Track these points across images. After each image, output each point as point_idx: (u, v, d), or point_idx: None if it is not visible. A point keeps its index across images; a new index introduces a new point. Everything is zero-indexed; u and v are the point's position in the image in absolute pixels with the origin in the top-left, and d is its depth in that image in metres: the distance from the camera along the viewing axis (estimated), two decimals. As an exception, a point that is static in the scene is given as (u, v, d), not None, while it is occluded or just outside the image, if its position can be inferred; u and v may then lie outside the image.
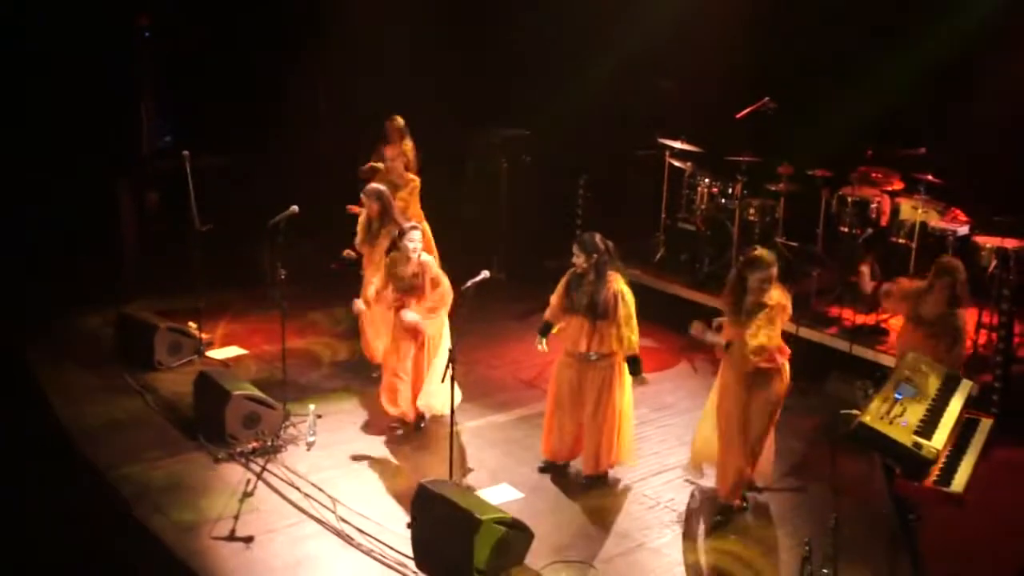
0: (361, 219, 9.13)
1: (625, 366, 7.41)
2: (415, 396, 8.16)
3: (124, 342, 9.57)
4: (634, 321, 7.28)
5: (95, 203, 11.33)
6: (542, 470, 7.73)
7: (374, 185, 9.10)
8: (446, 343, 8.00)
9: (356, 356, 9.48)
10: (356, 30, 12.21)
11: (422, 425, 8.32)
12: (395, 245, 8.18)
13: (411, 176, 9.99)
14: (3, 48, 10.75)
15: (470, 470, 7.72)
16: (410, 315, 7.97)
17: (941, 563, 6.22)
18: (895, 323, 8.83)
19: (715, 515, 7.15)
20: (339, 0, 12.20)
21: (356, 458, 7.89)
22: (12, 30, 10.80)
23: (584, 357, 7.35)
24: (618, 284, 7.25)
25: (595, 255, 7.22)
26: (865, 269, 7.84)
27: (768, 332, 6.72)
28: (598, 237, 7.31)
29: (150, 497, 7.19)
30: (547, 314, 7.58)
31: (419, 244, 8.01)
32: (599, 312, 7.21)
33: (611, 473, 7.62)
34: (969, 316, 8.29)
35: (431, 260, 8.11)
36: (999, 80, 9.91)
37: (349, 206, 9.68)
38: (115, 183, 11.60)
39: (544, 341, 7.58)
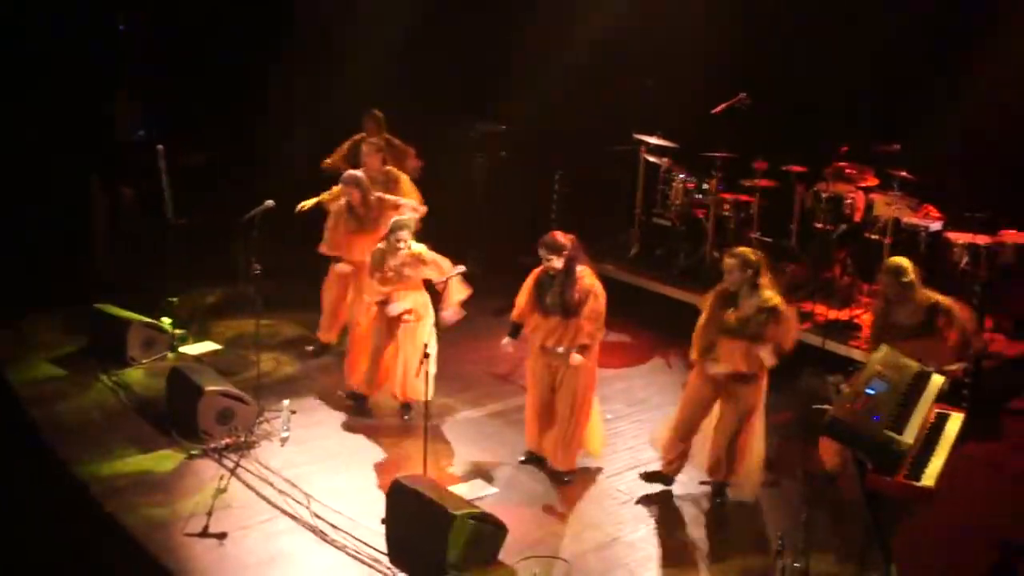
0: (330, 218, 9.09)
1: (593, 357, 7.44)
2: (387, 377, 8.26)
3: (97, 337, 9.50)
4: (601, 319, 7.28)
5: (68, 197, 11.25)
6: (523, 462, 7.73)
7: (351, 172, 9.08)
8: (426, 328, 8.02)
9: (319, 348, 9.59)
10: (333, 24, 12.17)
11: (407, 417, 8.36)
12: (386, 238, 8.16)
13: (389, 169, 9.88)
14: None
15: (445, 465, 7.72)
16: (396, 307, 8.09)
17: (912, 557, 6.25)
18: (868, 318, 8.87)
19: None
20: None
21: (330, 453, 7.87)
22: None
23: (556, 353, 7.36)
24: (589, 279, 7.25)
25: (564, 253, 7.20)
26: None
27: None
28: (560, 235, 7.27)
29: (122, 493, 7.15)
30: (515, 314, 7.54)
31: (409, 240, 8.01)
32: (572, 310, 7.21)
33: (586, 468, 7.62)
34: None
35: (422, 249, 8.10)
36: (972, 78, 9.97)
37: (300, 205, 9.50)
38: (88, 177, 11.53)
39: (511, 341, 7.58)
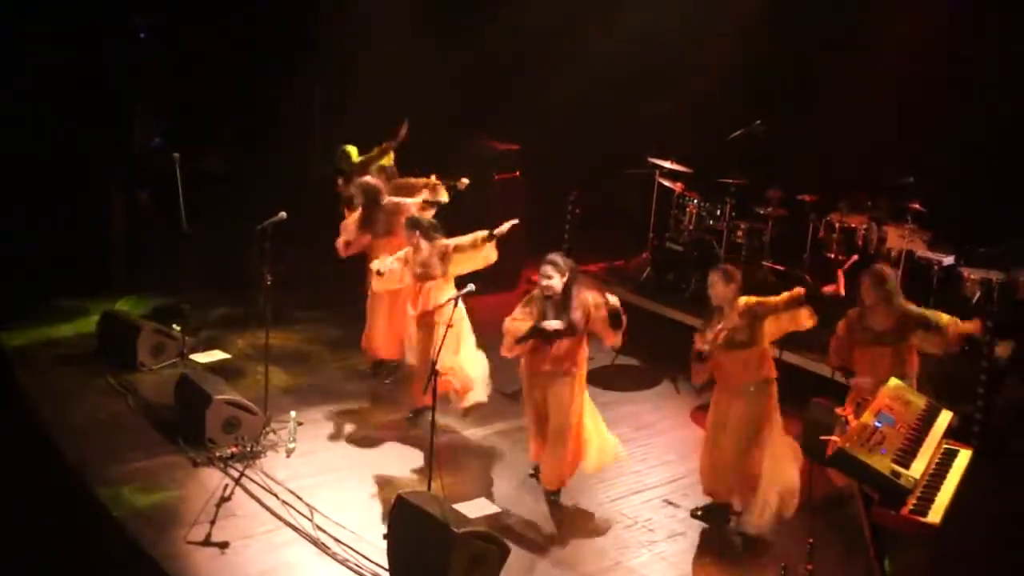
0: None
1: (582, 378, 7.39)
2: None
3: (107, 341, 9.53)
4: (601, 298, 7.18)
5: (84, 202, 11.31)
6: (533, 475, 7.73)
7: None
8: (467, 326, 8.20)
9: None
10: (352, 40, 12.23)
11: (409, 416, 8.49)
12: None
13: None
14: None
15: (449, 482, 7.70)
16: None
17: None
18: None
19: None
20: (336, 9, 12.24)
21: (335, 467, 7.88)
22: (6, 27, 10.79)
23: (552, 374, 7.30)
24: (586, 292, 7.20)
25: (568, 274, 7.16)
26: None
27: None
28: (561, 256, 7.24)
29: (127, 499, 7.16)
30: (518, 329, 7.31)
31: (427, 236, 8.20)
32: (577, 327, 7.17)
33: (590, 491, 7.61)
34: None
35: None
36: (988, 113, 9.99)
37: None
38: (105, 182, 11.59)
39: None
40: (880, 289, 7.16)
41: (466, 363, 8.27)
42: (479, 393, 8.34)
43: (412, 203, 9.17)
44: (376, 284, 8.55)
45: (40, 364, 9.27)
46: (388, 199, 9.15)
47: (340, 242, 9.09)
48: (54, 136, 10.93)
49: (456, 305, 7.50)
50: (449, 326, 7.37)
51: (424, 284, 8.29)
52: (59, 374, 9.13)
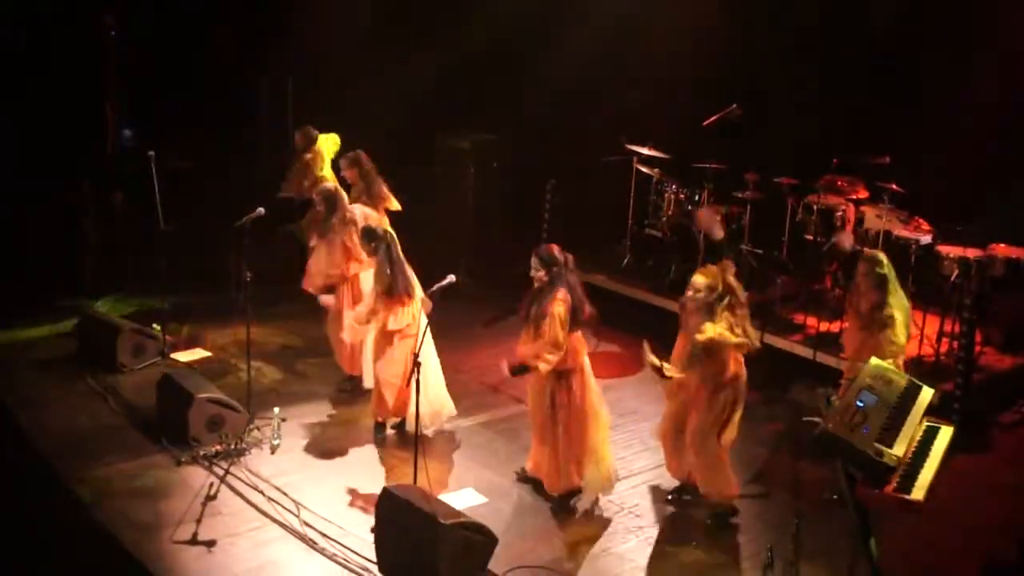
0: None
1: (578, 378, 7.21)
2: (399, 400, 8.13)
3: (87, 343, 9.47)
4: (551, 344, 6.90)
5: (59, 202, 11.23)
6: (518, 479, 7.67)
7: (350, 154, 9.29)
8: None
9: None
10: (326, 33, 12.18)
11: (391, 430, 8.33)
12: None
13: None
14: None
15: (435, 474, 7.69)
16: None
17: (901, 569, 6.28)
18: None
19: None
20: (309, 5, 12.19)
21: (320, 462, 7.87)
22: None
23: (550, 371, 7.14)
24: (556, 303, 6.96)
25: (554, 268, 7.06)
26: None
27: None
28: (556, 249, 7.12)
29: (111, 500, 7.13)
30: None
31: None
32: (537, 328, 7.02)
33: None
34: (928, 322, 8.89)
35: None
36: (965, 91, 10.03)
37: None
38: (79, 182, 11.51)
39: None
40: (872, 275, 7.26)
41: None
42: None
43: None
44: (352, 336, 8.46)
45: (17, 367, 9.20)
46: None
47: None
48: (27, 137, 10.85)
49: (435, 296, 7.42)
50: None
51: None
52: (37, 377, 9.06)
